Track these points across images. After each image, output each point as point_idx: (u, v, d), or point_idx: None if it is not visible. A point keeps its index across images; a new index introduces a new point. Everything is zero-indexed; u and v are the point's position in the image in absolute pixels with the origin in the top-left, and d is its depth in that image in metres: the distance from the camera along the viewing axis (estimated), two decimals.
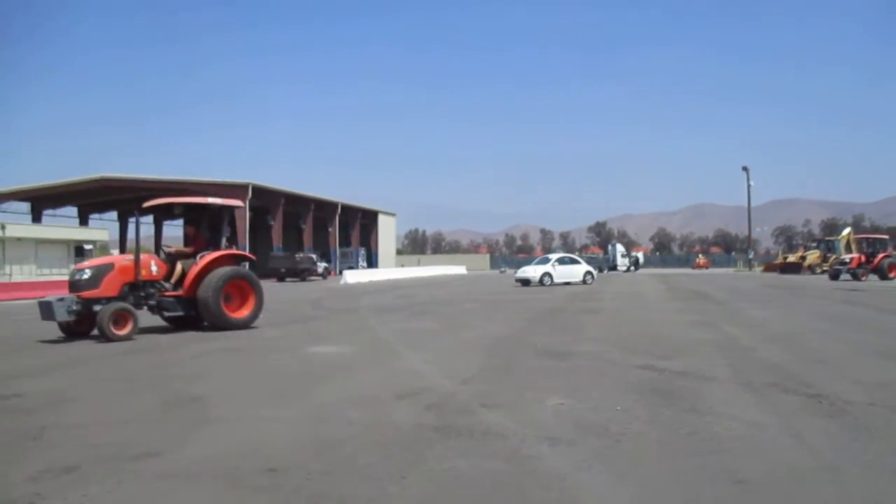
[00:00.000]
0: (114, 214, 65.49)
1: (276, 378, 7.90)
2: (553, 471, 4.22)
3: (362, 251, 70.28)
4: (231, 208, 14.05)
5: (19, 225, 47.28)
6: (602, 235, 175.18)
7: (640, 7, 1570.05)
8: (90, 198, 57.25)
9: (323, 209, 63.43)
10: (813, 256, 49.20)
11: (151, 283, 12.50)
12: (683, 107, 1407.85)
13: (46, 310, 11.50)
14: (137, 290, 12.24)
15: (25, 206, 56.16)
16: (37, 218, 55.83)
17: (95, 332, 11.49)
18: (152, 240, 61.95)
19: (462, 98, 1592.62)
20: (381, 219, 78.68)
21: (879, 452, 4.48)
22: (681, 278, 42.99)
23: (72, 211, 61.11)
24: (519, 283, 33.00)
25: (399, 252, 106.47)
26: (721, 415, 5.56)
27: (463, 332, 12.47)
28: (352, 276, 44.29)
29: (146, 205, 13.85)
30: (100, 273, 11.85)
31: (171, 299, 12.58)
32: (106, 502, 3.78)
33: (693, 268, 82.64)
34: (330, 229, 64.90)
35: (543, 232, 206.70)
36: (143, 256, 12.47)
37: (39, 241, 46.03)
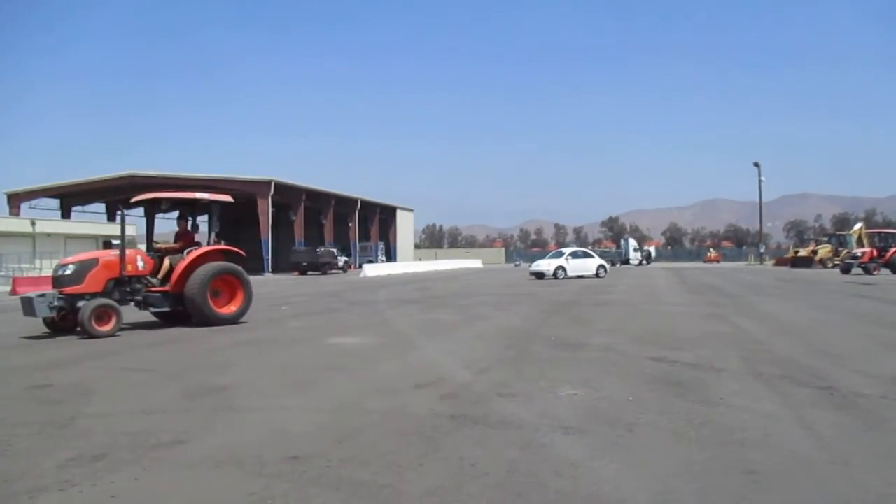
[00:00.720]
0: (140, 210, 66.02)
1: (298, 368, 8.01)
2: (567, 459, 4.29)
3: (381, 245, 70.73)
4: (220, 203, 13.87)
5: (49, 221, 48.58)
6: (615, 230, 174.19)
7: (651, 13, 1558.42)
8: (118, 194, 57.75)
9: (343, 205, 63.96)
10: (824, 251, 48.83)
11: (138, 278, 12.28)
12: (696, 104, 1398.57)
13: (28, 306, 11.20)
14: (123, 285, 12.02)
15: (55, 203, 56.91)
16: (66, 214, 56.64)
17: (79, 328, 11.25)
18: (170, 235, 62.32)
19: (480, 101, 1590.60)
20: (400, 214, 79.14)
21: (891, 445, 4.51)
22: (692, 272, 42.79)
23: (100, 207, 61.86)
24: (533, 277, 33.15)
25: (417, 246, 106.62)
26: (732, 406, 5.61)
27: (479, 324, 12.57)
28: (371, 270, 44.78)
29: (133, 199, 13.63)
30: (83, 269, 11.61)
31: (157, 295, 12.38)
32: (133, 489, 3.88)
33: (704, 262, 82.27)
34: (350, 224, 65.38)
35: (557, 227, 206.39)
36: (128, 252, 12.23)
37: (69, 237, 47.11)
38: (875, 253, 36.82)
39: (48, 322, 11.69)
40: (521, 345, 9.58)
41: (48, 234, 45.13)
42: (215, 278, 12.62)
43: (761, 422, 5.13)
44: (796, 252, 55.15)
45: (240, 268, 13.39)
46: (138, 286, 12.28)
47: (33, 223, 44.67)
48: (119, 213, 13.38)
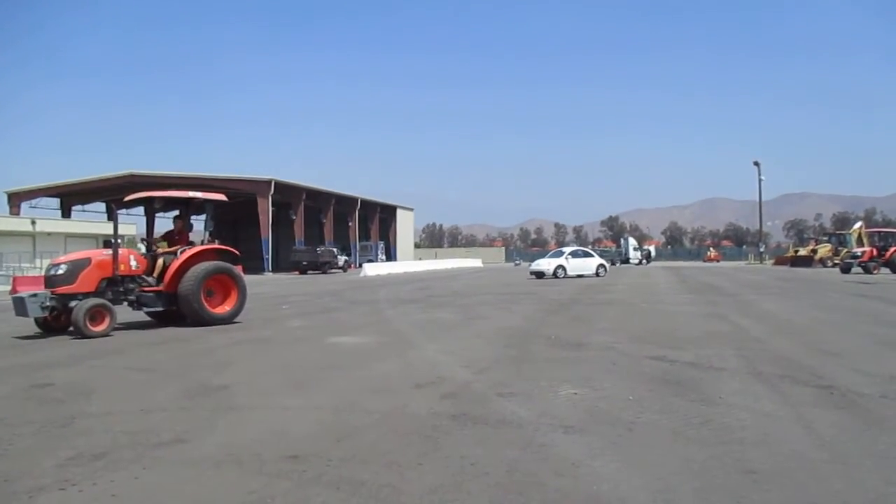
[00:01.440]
0: (140, 210, 66.07)
1: (298, 368, 8.02)
2: (567, 458, 4.30)
3: (381, 245, 70.86)
4: (214, 202, 13.82)
5: (49, 220, 48.81)
6: (615, 229, 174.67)
7: (649, 11, 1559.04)
8: (118, 193, 57.76)
9: (343, 204, 64.04)
10: (824, 250, 48.85)
11: (131, 278, 12.20)
12: (695, 103, 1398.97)
13: (20, 306, 11.14)
14: (116, 285, 11.94)
15: (55, 202, 57.09)
16: (66, 213, 56.82)
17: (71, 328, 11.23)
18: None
19: (479, 98, 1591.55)
20: (400, 213, 79.25)
21: (891, 444, 4.51)
22: (692, 271, 42.80)
23: (100, 206, 61.98)
24: (533, 276, 33.16)
25: (417, 245, 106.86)
26: (732, 405, 5.61)
27: (478, 323, 12.56)
28: (371, 269, 44.83)
29: (127, 198, 13.55)
30: (76, 268, 11.53)
31: (151, 294, 12.32)
32: (133, 488, 3.88)
33: (704, 261, 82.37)
34: (350, 223, 65.47)
35: (557, 226, 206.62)
36: (121, 251, 12.16)
37: (69, 236, 47.20)
38: (875, 252, 36.84)
39: (40, 322, 11.61)
40: (521, 344, 9.58)
41: (48, 234, 45.32)
42: (209, 278, 12.55)
43: (761, 421, 5.13)
44: (796, 251, 55.18)
45: (234, 267, 13.31)
46: (131, 286, 12.20)
47: (33, 222, 44.91)
48: (113, 212, 13.32)
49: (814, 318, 12.94)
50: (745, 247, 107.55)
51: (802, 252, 52.53)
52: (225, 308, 12.93)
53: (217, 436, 4.92)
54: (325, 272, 49.13)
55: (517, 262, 79.35)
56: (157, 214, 47.10)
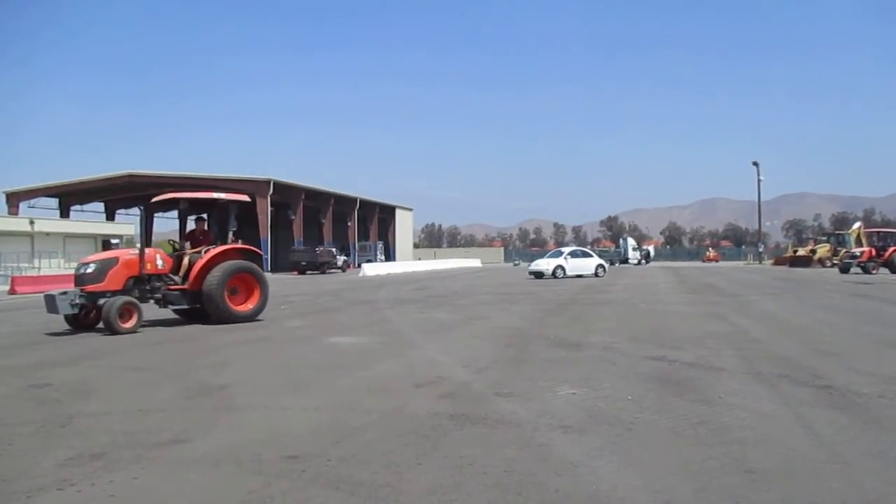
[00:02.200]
0: (137, 210, 66.02)
1: (298, 368, 8.02)
2: (566, 458, 4.29)
3: (380, 245, 70.82)
4: (237, 203, 14.11)
5: (48, 220, 48.71)
6: (614, 229, 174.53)
7: (647, 9, 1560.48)
8: (117, 193, 57.89)
9: (342, 204, 64.11)
10: (823, 250, 48.86)
11: (157, 276, 12.57)
12: (695, 103, 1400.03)
13: (51, 303, 11.52)
14: (142, 283, 12.31)
15: (54, 202, 57.05)
16: (65, 213, 56.76)
17: (101, 325, 11.57)
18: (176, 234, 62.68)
19: (478, 98, 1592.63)
20: (399, 213, 79.41)
21: (890, 444, 4.51)
22: (691, 271, 42.82)
23: (99, 206, 61.98)
24: (532, 276, 33.20)
25: (416, 246, 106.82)
26: (731, 405, 5.61)
27: (477, 323, 12.56)
28: (370, 269, 44.86)
29: (154, 199, 13.99)
30: (104, 267, 11.90)
31: (176, 293, 12.64)
32: (132, 488, 3.87)
33: (703, 261, 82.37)
34: (349, 223, 65.57)
35: (556, 226, 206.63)
36: (147, 251, 12.54)
37: (67, 236, 47.31)
38: (873, 252, 36.88)
39: (70, 319, 11.95)
40: (521, 344, 9.58)
41: (47, 234, 45.34)
42: (233, 276, 12.86)
43: (760, 421, 5.13)
44: (795, 251, 55.19)
45: (257, 266, 13.67)
46: (157, 284, 12.57)
47: (32, 222, 44.90)
48: (140, 213, 13.71)
49: (813, 318, 12.94)
50: (744, 247, 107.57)
51: (801, 252, 52.53)
52: (248, 306, 13.24)
53: (216, 436, 4.92)
54: (324, 272, 49.10)
55: (516, 262, 79.38)
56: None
